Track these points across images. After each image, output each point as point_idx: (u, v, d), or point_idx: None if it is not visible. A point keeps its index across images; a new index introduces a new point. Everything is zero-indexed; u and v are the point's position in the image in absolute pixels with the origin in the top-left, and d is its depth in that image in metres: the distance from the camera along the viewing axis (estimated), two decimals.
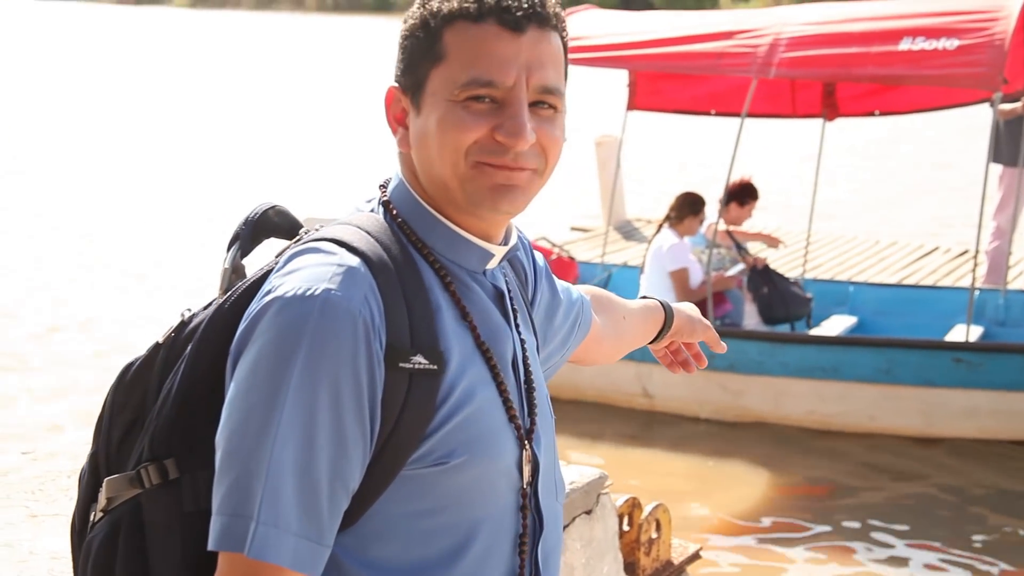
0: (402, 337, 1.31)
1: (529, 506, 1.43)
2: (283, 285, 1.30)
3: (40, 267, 10.38)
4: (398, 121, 1.43)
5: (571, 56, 1.47)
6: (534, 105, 1.37)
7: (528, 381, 1.48)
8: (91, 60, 32.37)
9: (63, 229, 12.00)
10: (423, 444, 1.32)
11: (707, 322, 1.95)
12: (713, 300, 6.89)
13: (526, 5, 1.36)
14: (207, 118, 21.42)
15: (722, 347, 1.94)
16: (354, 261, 1.32)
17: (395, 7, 53.45)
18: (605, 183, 10.40)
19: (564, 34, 1.43)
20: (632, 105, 7.95)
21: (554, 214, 11.91)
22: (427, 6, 1.39)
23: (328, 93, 24.98)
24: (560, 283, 1.74)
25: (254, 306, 1.31)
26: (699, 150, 16.57)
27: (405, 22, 1.41)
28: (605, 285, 8.08)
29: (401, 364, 1.30)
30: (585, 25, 7.27)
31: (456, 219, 1.41)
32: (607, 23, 7.37)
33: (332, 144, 18.25)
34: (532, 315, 1.61)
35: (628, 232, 10.39)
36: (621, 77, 7.97)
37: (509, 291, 1.51)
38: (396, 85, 1.42)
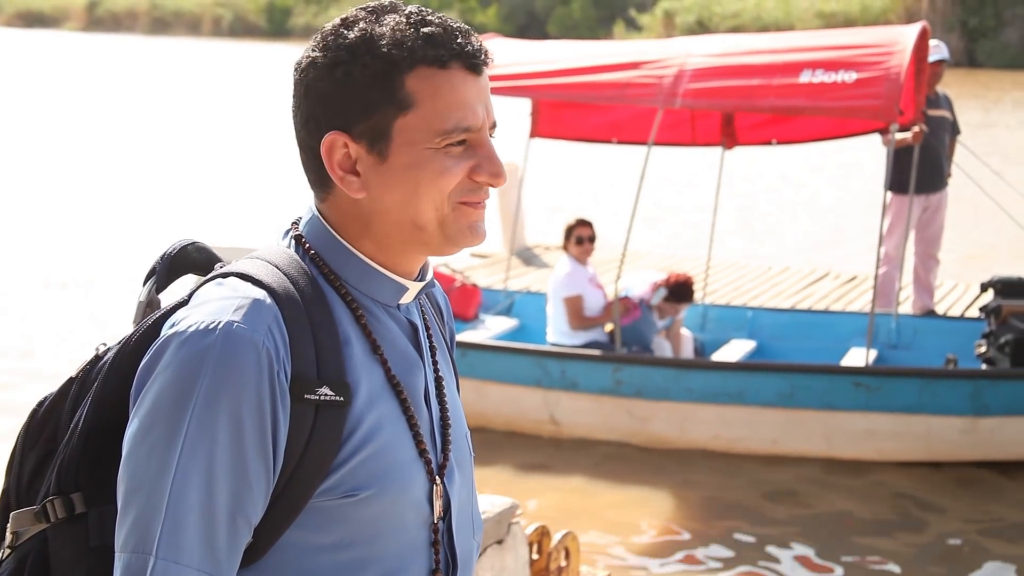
0: (308, 368, 1.32)
1: (441, 542, 1.43)
2: (186, 319, 1.31)
3: None
4: (343, 168, 1.41)
5: None
6: None
7: (444, 417, 1.48)
8: None
9: None
10: (330, 476, 1.33)
11: None
12: (623, 307, 6.96)
13: (480, 47, 1.41)
14: (95, 144, 20.89)
15: None
16: (259, 293, 1.33)
17: (291, 34, 52.89)
18: (505, 210, 10.44)
19: None
20: (535, 133, 8.01)
21: None
22: (374, 53, 1.36)
23: (223, 118, 24.59)
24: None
25: (157, 340, 1.31)
26: (602, 177, 16.76)
27: (335, 69, 1.37)
28: (509, 311, 8.11)
29: (307, 395, 1.31)
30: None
31: (372, 254, 1.42)
32: (512, 52, 7.41)
33: (226, 170, 17.96)
34: (452, 354, 1.61)
35: (528, 258, 10.44)
36: (523, 105, 8.02)
37: (428, 327, 1.52)
38: (339, 132, 1.39)
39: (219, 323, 1.28)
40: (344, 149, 1.40)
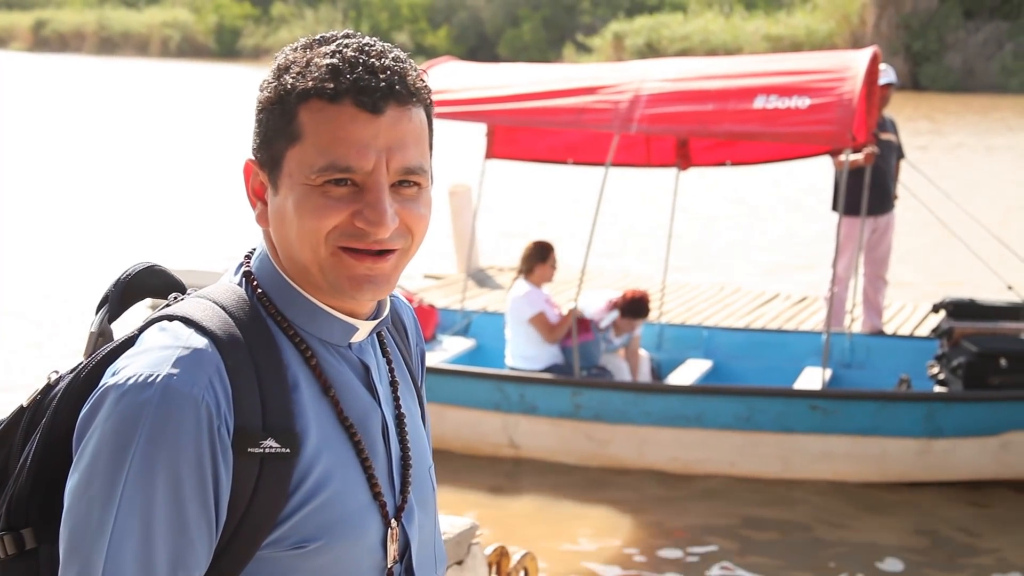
0: (253, 420, 1.28)
1: None
2: (125, 368, 1.27)
3: None
4: (257, 195, 1.39)
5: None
6: (397, 185, 1.33)
7: (404, 456, 1.44)
8: None
9: None
10: (277, 528, 1.30)
11: None
12: (577, 327, 6.97)
13: (384, 84, 1.31)
14: (43, 166, 20.63)
15: None
16: (200, 343, 1.29)
17: (241, 55, 52.59)
18: (459, 231, 10.44)
19: (429, 106, 1.38)
20: (490, 154, 8.00)
21: None
22: (282, 80, 1.33)
23: (174, 138, 24.37)
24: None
25: (97, 388, 1.28)
26: (556, 198, 16.80)
27: (260, 91, 1.36)
28: (466, 331, 8.09)
29: (250, 449, 1.28)
30: (445, 78, 7.30)
31: (318, 295, 1.37)
32: (467, 76, 7.42)
33: (178, 191, 17.80)
34: (418, 384, 1.57)
35: (482, 280, 10.44)
36: (478, 126, 8.02)
37: (390, 360, 1.48)
38: (253, 159, 1.38)
39: (157, 376, 1.25)
40: (257, 177, 1.38)
